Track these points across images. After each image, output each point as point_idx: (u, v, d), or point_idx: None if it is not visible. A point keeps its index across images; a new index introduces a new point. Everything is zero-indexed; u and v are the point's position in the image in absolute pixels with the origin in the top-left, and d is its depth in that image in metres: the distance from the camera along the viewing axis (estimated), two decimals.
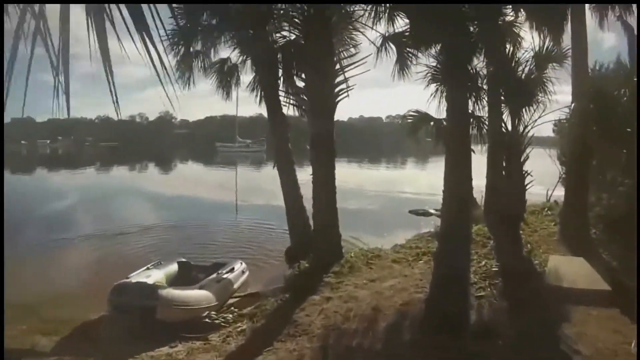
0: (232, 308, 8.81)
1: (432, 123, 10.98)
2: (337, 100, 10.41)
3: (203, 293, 8.62)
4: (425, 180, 32.17)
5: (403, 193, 27.82)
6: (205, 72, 12.15)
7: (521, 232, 11.01)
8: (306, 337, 6.65)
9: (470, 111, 10.37)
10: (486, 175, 13.22)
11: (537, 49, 10.57)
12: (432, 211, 20.03)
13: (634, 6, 11.34)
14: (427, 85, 10.44)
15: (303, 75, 10.77)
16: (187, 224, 17.49)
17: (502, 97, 10.62)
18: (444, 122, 10.58)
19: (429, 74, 10.44)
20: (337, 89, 10.41)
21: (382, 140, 75.66)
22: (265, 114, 12.23)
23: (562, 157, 16.14)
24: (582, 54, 10.91)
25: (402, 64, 11.01)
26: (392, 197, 26.54)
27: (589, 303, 7.08)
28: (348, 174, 33.90)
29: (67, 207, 22.69)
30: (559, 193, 15.73)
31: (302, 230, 11.38)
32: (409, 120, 11.18)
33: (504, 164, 10.61)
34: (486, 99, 10.83)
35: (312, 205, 10.39)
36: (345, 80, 10.49)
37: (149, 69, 1.98)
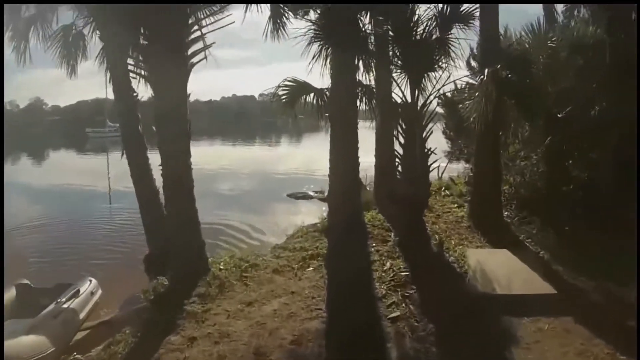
0: (76, 355, 6.30)
1: (312, 94, 8.88)
2: (190, 63, 7.77)
3: (32, 340, 6.45)
4: (300, 158, 31.88)
5: (278, 173, 27.45)
6: (45, 42, 9.48)
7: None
8: None
9: (358, 80, 8.66)
10: (375, 153, 11.70)
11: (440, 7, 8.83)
12: (312, 193, 18.99)
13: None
14: (310, 44, 8.28)
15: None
16: (54, 221, 16.24)
17: (399, 62, 8.80)
18: (327, 93, 8.72)
19: (311, 31, 8.30)
20: (190, 50, 7.80)
21: (256, 119, 75.04)
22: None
23: (447, 131, 15.45)
24: (492, 15, 9.40)
25: (277, 21, 8.99)
26: (267, 177, 26.00)
27: (534, 313, 5.66)
28: (221, 155, 32.10)
29: None
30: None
31: (161, 233, 8.77)
32: (284, 91, 8.87)
33: (403, 141, 8.84)
34: (374, 63, 8.97)
35: (164, 205, 7.89)
36: (202, 36, 7.87)
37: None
